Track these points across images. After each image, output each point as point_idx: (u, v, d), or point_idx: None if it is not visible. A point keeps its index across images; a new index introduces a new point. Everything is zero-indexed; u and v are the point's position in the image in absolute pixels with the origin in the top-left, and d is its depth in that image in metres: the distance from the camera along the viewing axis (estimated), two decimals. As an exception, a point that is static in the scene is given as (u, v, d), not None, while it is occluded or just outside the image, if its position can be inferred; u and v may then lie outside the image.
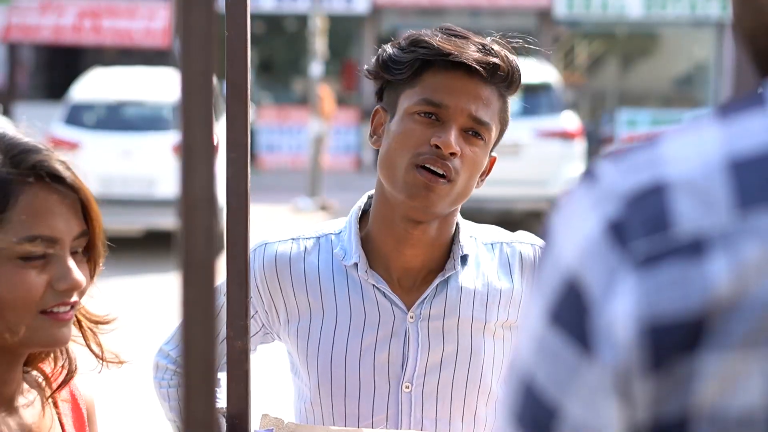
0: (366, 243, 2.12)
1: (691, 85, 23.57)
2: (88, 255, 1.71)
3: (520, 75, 2.09)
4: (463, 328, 2.10)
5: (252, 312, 2.12)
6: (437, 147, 2.00)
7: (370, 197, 2.16)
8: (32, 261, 1.62)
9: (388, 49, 2.11)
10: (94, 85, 13.96)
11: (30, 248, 1.62)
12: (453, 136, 2.01)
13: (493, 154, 2.12)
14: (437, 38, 2.06)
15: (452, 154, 2.01)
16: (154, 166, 13.00)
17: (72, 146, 12.94)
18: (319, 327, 2.11)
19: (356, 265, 2.11)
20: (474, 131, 2.04)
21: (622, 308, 0.86)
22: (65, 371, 1.78)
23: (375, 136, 2.13)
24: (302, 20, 21.23)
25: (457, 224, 2.13)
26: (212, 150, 0.99)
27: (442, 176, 2.00)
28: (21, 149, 1.66)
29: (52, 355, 1.79)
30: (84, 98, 13.62)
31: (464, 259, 2.12)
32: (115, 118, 13.50)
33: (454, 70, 2.04)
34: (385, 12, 22.90)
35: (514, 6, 22.33)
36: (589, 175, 0.92)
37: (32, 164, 1.65)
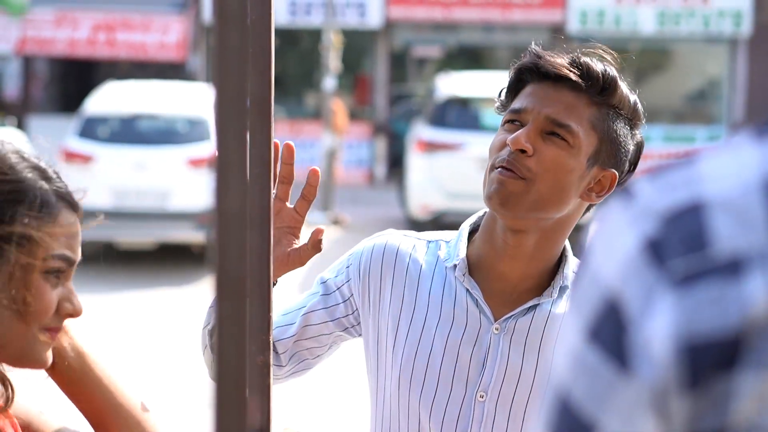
0: (470, 254, 2.17)
1: (704, 101, 23.55)
2: None
3: (612, 81, 2.10)
4: (545, 351, 2.12)
5: (347, 294, 2.23)
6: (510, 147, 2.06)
7: (486, 212, 2.21)
8: (51, 277, 1.70)
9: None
10: (109, 98, 14.00)
11: (56, 264, 1.70)
12: (524, 134, 2.05)
13: (612, 170, 2.11)
14: (529, 58, 2.13)
15: (522, 151, 2.04)
16: (167, 179, 13.03)
17: (86, 159, 12.99)
18: (409, 320, 2.17)
19: (455, 267, 2.15)
20: (553, 133, 2.07)
21: (660, 326, 0.86)
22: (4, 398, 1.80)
23: None
24: (316, 34, 21.27)
25: (566, 256, 2.15)
26: (246, 165, 0.99)
27: (513, 174, 2.04)
28: (57, 176, 1.76)
29: None
30: (98, 111, 13.65)
31: (563, 289, 2.14)
32: (129, 131, 13.53)
33: (540, 81, 2.11)
34: (398, 26, 22.93)
35: (528, 21, 22.35)
36: (625, 192, 0.93)
37: (66, 194, 1.75)
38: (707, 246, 0.87)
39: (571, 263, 2.16)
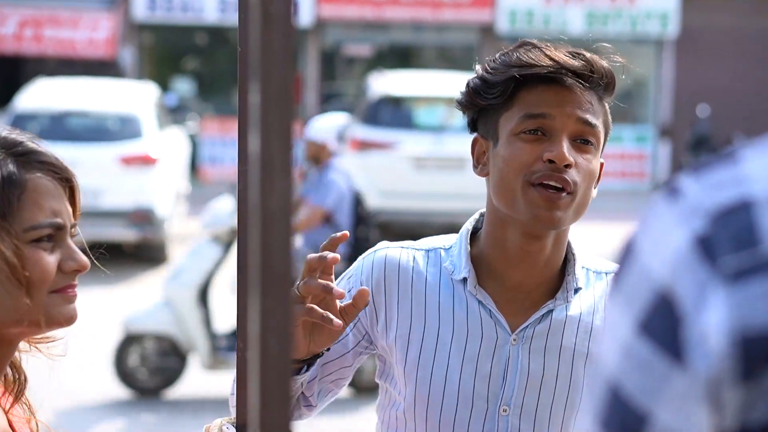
0: (476, 260, 2.09)
1: (631, 101, 23.80)
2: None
3: (614, 76, 2.06)
4: (565, 357, 2.07)
5: (355, 321, 2.10)
6: (551, 162, 1.97)
7: (482, 215, 2.13)
8: (42, 244, 1.72)
9: (478, 76, 2.07)
10: (39, 95, 13.83)
11: (41, 232, 1.72)
12: (565, 146, 1.98)
13: (601, 159, 2.09)
14: (525, 54, 2.03)
15: (567, 165, 1.97)
16: (99, 177, 12.89)
17: (16, 156, 12.82)
18: (421, 337, 2.08)
19: (465, 280, 2.07)
20: (583, 138, 2.01)
21: (714, 320, 0.89)
22: (16, 388, 1.85)
23: (479, 166, 2.09)
24: (246, 32, 21.17)
25: (573, 254, 2.09)
26: (290, 163, 1.01)
27: (561, 190, 1.97)
28: (23, 144, 1.76)
29: (6, 371, 1.84)
30: (28, 108, 13.49)
31: (576, 291, 2.09)
32: (59, 129, 13.38)
33: (549, 82, 2.02)
34: (328, 25, 22.92)
35: (457, 21, 22.45)
36: (671, 190, 0.96)
37: (36, 158, 1.76)
38: (758, 243, 0.90)
39: (579, 261, 2.11)
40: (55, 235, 1.73)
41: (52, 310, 1.74)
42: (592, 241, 11.87)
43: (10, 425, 1.83)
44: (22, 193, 1.71)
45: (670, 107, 22.73)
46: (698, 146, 20.39)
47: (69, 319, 1.77)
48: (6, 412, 1.83)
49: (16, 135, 1.78)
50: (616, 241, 13.72)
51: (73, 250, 1.75)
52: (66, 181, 1.78)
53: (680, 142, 21.63)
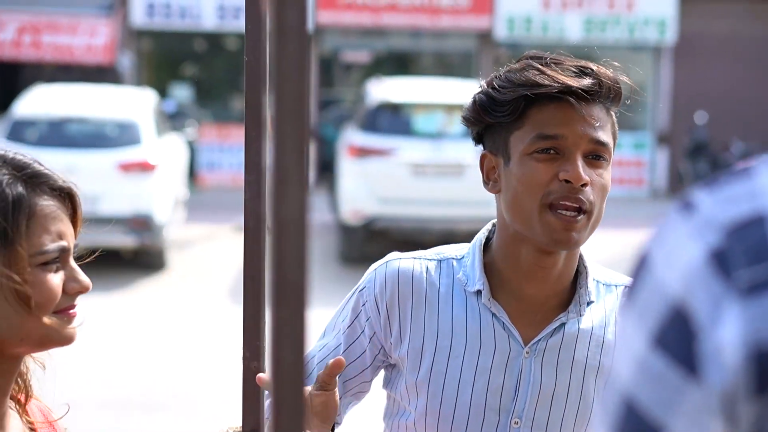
0: (488, 271, 2.09)
1: (629, 108, 23.83)
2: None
3: (621, 88, 2.07)
4: (577, 370, 2.08)
5: (369, 334, 2.13)
6: (567, 182, 1.98)
7: (494, 225, 2.13)
8: (49, 266, 1.75)
9: (485, 92, 2.07)
10: (38, 101, 13.83)
11: (48, 257, 1.74)
12: (580, 166, 1.99)
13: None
14: (533, 72, 2.03)
15: (584, 185, 1.98)
16: (97, 183, 12.88)
17: (14, 163, 12.81)
18: (433, 349, 2.09)
19: (479, 292, 2.08)
20: (595, 155, 2.02)
21: (729, 334, 0.90)
22: (23, 395, 1.87)
23: (490, 183, 2.10)
24: (243, 39, 21.18)
25: (585, 267, 2.11)
26: (304, 172, 1.01)
27: (577, 211, 1.98)
28: (31, 167, 1.78)
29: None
30: (27, 114, 13.48)
31: (588, 304, 2.10)
32: (58, 135, 13.38)
33: (559, 100, 2.02)
34: (327, 32, 22.93)
35: (455, 28, 22.45)
36: (685, 204, 0.96)
37: (43, 180, 1.78)
38: None
39: (591, 272, 2.12)
40: (60, 258, 1.76)
41: (53, 330, 1.76)
42: (590, 248, 11.85)
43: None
44: (30, 218, 1.73)
45: (668, 114, 22.74)
46: (696, 153, 20.40)
47: (69, 339, 1.80)
48: (31, 423, 1.86)
49: (22, 156, 1.80)
50: (614, 247, 13.73)
51: (76, 271, 1.78)
52: (70, 200, 1.80)
53: (678, 149, 21.65)
